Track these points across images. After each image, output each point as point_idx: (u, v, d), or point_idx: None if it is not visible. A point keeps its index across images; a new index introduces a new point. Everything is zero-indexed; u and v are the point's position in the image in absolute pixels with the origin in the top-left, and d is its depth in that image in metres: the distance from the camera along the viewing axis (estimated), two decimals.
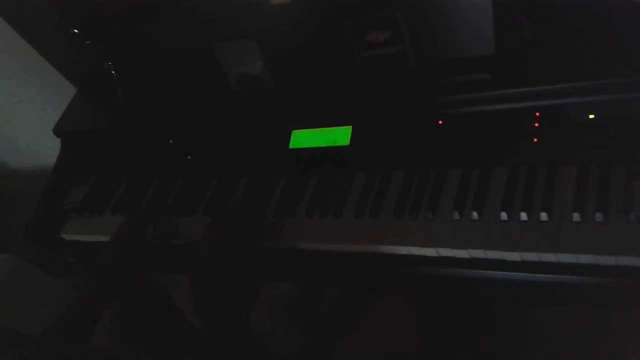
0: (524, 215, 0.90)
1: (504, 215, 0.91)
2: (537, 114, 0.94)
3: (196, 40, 1.18)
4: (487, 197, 0.95)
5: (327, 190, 1.10)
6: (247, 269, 0.95)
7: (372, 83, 1.08)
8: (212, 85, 1.21)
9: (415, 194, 1.01)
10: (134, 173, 1.33)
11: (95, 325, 1.01)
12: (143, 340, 1.17)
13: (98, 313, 1.02)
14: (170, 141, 1.29)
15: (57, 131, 1.44)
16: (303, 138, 1.16)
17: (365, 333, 1.04)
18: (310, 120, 1.15)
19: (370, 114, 1.10)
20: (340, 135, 1.12)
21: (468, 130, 1.00)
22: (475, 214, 0.94)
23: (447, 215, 0.96)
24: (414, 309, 1.06)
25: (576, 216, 0.86)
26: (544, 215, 0.88)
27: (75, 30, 1.29)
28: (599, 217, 0.85)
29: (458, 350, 1.31)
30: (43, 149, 1.70)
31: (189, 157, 1.27)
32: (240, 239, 0.98)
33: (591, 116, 0.91)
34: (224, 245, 0.96)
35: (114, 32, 1.31)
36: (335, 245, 1.03)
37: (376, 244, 0.99)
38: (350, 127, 1.11)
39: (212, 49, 1.16)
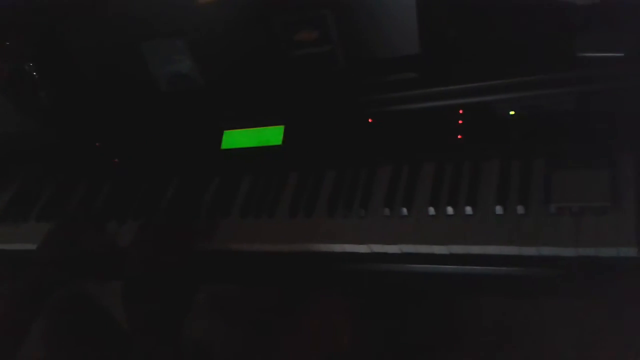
0: (450, 210, 0.92)
1: (431, 210, 0.94)
2: (461, 111, 0.97)
3: (123, 39, 1.14)
4: (416, 192, 0.97)
5: (260, 191, 1.09)
6: (180, 276, 0.93)
7: (303, 82, 1.08)
8: (140, 85, 1.18)
9: (348, 191, 1.02)
10: (60, 177, 1.29)
11: (23, 337, 0.97)
12: (74, 351, 1.13)
13: (26, 325, 0.98)
14: (97, 144, 1.25)
15: None
16: (235, 138, 1.15)
17: (303, 332, 1.04)
18: (242, 120, 1.15)
19: (301, 113, 1.10)
20: (272, 135, 1.12)
21: (396, 128, 1.02)
22: (404, 210, 0.96)
23: (378, 212, 0.98)
24: (350, 307, 1.07)
25: (499, 209, 0.89)
26: (468, 209, 0.91)
27: None
28: (520, 209, 0.88)
29: (394, 345, 1.33)
30: None
31: (116, 160, 1.23)
32: (171, 245, 0.96)
33: (512, 112, 0.94)
34: (153, 254, 0.94)
35: (35, 32, 1.25)
36: (270, 245, 1.03)
37: (311, 243, 1.00)
38: (283, 126, 1.11)
39: (140, 48, 1.13)
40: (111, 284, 1.00)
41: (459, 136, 0.97)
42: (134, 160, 1.22)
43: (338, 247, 0.98)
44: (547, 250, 0.85)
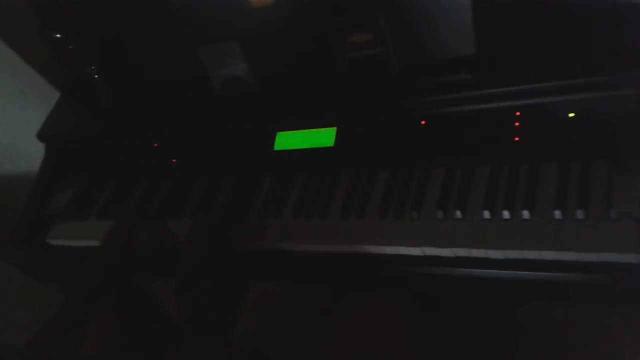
0: (506, 214, 0.91)
1: (486, 214, 0.92)
2: (518, 113, 0.95)
3: (180, 43, 1.18)
4: (470, 196, 0.96)
5: (312, 192, 1.10)
6: (232, 274, 0.95)
7: (355, 84, 1.09)
8: (196, 88, 1.21)
9: (400, 193, 1.02)
10: (119, 177, 1.33)
11: (85, 333, 1.00)
12: (131, 345, 1.16)
13: (88, 319, 1.01)
14: (155, 144, 1.29)
15: (41, 136, 1.43)
16: (288, 140, 1.16)
17: (353, 334, 1.04)
18: (295, 122, 1.16)
19: (354, 115, 1.10)
20: (324, 137, 1.13)
21: (450, 130, 1.01)
22: (458, 213, 0.94)
23: (431, 215, 0.97)
24: (401, 309, 1.06)
25: (558, 214, 0.87)
26: (525, 214, 0.89)
27: (58, 35, 1.29)
28: (580, 214, 0.86)
29: (446, 350, 1.32)
30: (27, 154, 1.68)
31: (174, 160, 1.27)
32: (223, 244, 0.98)
33: (571, 114, 0.92)
34: (206, 252, 0.96)
35: (97, 36, 1.30)
36: (321, 245, 1.04)
37: (362, 244, 1.00)
38: (335, 128, 1.12)
39: (196, 52, 1.16)
40: (168, 280, 1.03)
41: (516, 138, 0.95)
42: (190, 161, 1.25)
43: (389, 249, 0.98)
44: (606, 257, 0.82)
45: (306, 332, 1.12)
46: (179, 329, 1.25)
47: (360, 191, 1.06)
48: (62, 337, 0.97)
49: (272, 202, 1.12)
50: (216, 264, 0.94)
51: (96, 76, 1.33)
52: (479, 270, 0.91)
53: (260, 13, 1.09)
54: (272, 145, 1.17)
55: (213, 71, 1.18)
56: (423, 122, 1.03)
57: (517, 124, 0.95)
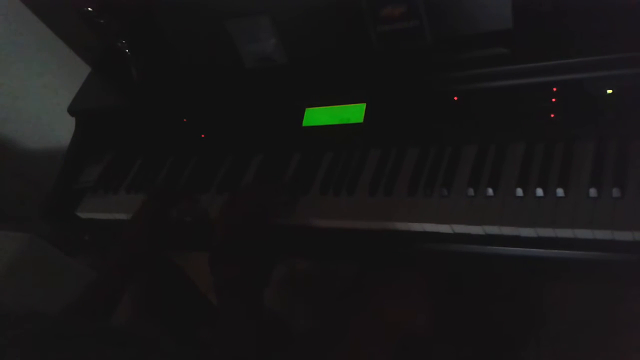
0: (539, 192, 0.89)
1: (519, 192, 0.91)
2: (555, 89, 0.93)
3: (210, 17, 1.17)
4: (503, 173, 0.94)
5: (340, 168, 1.09)
6: (264, 247, 0.95)
7: (386, 59, 1.07)
8: (226, 62, 1.21)
9: (430, 170, 1.01)
10: (148, 151, 1.34)
11: (117, 304, 1.02)
12: (162, 317, 1.18)
13: (120, 291, 1.03)
14: (184, 119, 1.29)
15: (72, 110, 1.45)
16: (317, 116, 1.16)
17: (380, 310, 1.04)
18: (324, 98, 1.15)
19: (384, 91, 1.09)
20: (354, 113, 1.12)
21: (484, 106, 0.99)
22: (490, 190, 0.93)
23: (461, 192, 0.96)
24: (427, 288, 1.06)
25: (593, 192, 0.86)
26: (560, 191, 0.88)
27: (90, 9, 1.29)
28: (616, 192, 0.84)
29: (470, 329, 1.31)
30: (59, 128, 1.71)
31: (203, 136, 1.27)
32: (256, 218, 0.98)
33: (609, 91, 0.90)
34: (240, 225, 0.96)
35: (128, 11, 1.31)
36: (349, 222, 1.03)
37: (390, 221, 0.99)
38: (364, 104, 1.11)
39: (226, 26, 1.16)
40: (200, 255, 1.03)
41: (552, 115, 0.93)
42: (219, 136, 1.26)
43: (418, 227, 0.97)
44: None
45: (330, 308, 1.12)
46: (206, 304, 1.27)
47: (389, 168, 1.05)
48: (94, 308, 0.99)
49: (300, 178, 1.12)
50: (250, 235, 0.95)
51: (127, 51, 1.34)
52: (510, 248, 0.90)
53: None
54: (301, 121, 1.16)
55: (243, 46, 1.18)
56: (455, 98, 1.01)
57: (553, 100, 0.93)
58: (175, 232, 1.12)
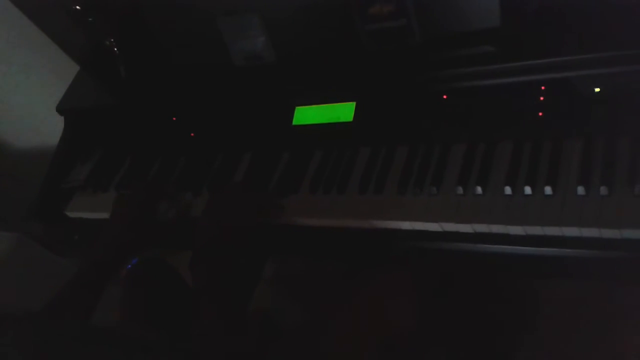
0: (528, 190, 0.89)
1: (508, 190, 0.91)
2: (543, 87, 0.93)
3: (198, 15, 1.17)
4: (491, 171, 0.95)
5: (330, 167, 1.09)
6: (248, 248, 0.95)
7: (375, 57, 1.07)
8: (215, 60, 1.20)
9: (419, 169, 1.01)
10: (138, 150, 1.33)
11: (97, 302, 1.01)
12: (153, 318, 1.17)
13: (99, 289, 1.01)
14: (174, 118, 1.29)
15: (61, 109, 1.43)
16: (306, 114, 1.16)
17: (366, 307, 1.04)
18: (314, 97, 1.15)
19: (374, 89, 1.09)
20: (343, 112, 1.12)
21: (473, 105, 0.99)
22: (479, 189, 0.93)
23: (451, 190, 0.96)
24: (415, 286, 1.06)
25: (580, 190, 0.86)
26: (548, 189, 0.88)
27: (78, 7, 1.28)
28: (603, 190, 0.84)
29: (457, 328, 1.32)
30: (47, 127, 1.69)
31: (192, 134, 1.27)
32: (239, 219, 0.98)
33: (597, 89, 0.90)
34: (221, 226, 0.96)
35: (117, 9, 1.30)
36: (339, 221, 1.03)
37: (380, 220, 0.99)
38: (354, 103, 1.11)
39: (216, 24, 1.15)
40: (183, 253, 1.03)
41: (540, 113, 0.93)
42: (208, 135, 1.25)
43: (407, 225, 0.97)
44: (630, 234, 0.81)
45: (319, 307, 1.12)
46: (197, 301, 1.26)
47: (379, 166, 1.05)
48: (74, 306, 0.97)
49: (290, 176, 1.12)
50: (231, 237, 0.94)
51: (115, 49, 1.33)
52: (499, 246, 0.91)
53: None
54: (291, 119, 1.16)
55: (232, 44, 1.17)
56: (445, 96, 1.01)
57: (541, 98, 0.93)
58: (160, 229, 1.11)
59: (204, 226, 0.98)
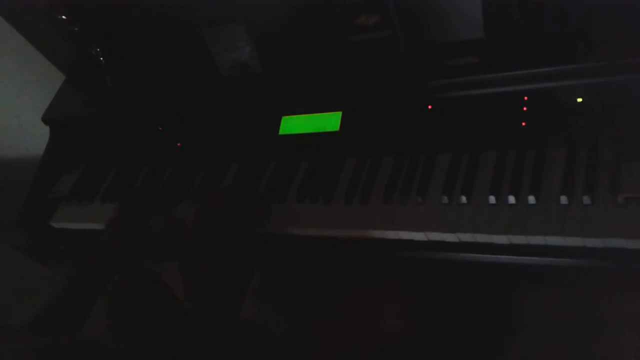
0: (511, 199, 0.90)
1: (492, 199, 0.92)
2: (526, 97, 0.94)
3: (185, 25, 1.17)
4: (476, 181, 0.95)
5: (317, 176, 1.10)
6: (234, 252, 0.95)
7: (361, 68, 1.08)
8: (202, 71, 1.20)
9: (405, 178, 1.01)
10: (124, 160, 1.33)
11: (89, 314, 1.00)
12: (140, 328, 1.16)
13: (92, 301, 1.01)
14: (160, 128, 1.29)
15: (46, 119, 1.43)
16: (293, 124, 1.16)
17: (353, 317, 1.04)
18: (300, 106, 1.15)
19: (359, 99, 1.10)
20: (330, 121, 1.12)
21: (457, 115, 1.00)
22: (464, 198, 0.94)
23: (436, 200, 0.96)
24: (402, 296, 1.06)
25: (563, 199, 0.87)
26: (531, 199, 0.89)
27: (63, 17, 1.28)
28: (586, 199, 0.85)
29: (445, 337, 1.32)
30: (32, 137, 1.68)
31: (179, 144, 1.26)
32: (226, 224, 0.98)
33: (579, 99, 0.91)
34: (210, 230, 0.96)
35: (102, 18, 1.30)
36: (325, 230, 1.03)
37: (366, 229, 0.99)
38: (340, 112, 1.11)
39: (202, 35, 1.16)
40: (174, 264, 1.02)
41: (523, 123, 0.94)
42: (195, 145, 1.25)
43: (393, 234, 0.97)
44: (613, 242, 0.82)
45: (306, 316, 1.12)
46: (187, 316, 1.25)
47: (365, 176, 1.05)
48: (64, 318, 0.97)
49: (277, 186, 1.12)
50: (220, 241, 0.94)
51: (101, 59, 1.33)
52: (484, 255, 0.91)
53: None
54: (277, 129, 1.16)
55: (218, 54, 1.17)
56: (430, 107, 1.02)
57: (524, 108, 0.94)
58: (155, 241, 1.10)
59: (191, 232, 0.98)
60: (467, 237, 0.92)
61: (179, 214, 1.16)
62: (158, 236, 1.11)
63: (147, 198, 1.15)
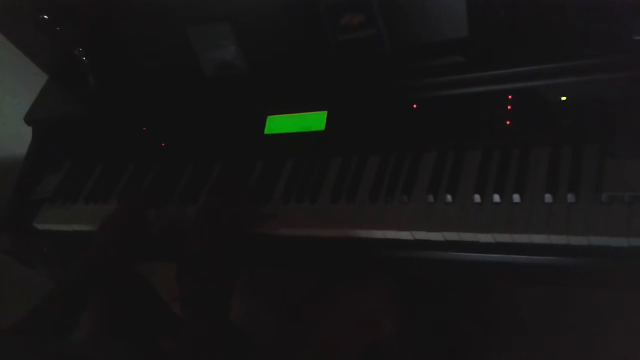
0: (496, 197, 0.90)
1: (477, 198, 0.92)
2: (510, 96, 0.94)
3: (170, 24, 1.16)
4: (461, 180, 0.96)
5: (302, 176, 1.09)
6: (233, 259, 0.94)
7: (346, 67, 1.08)
8: (186, 70, 1.20)
9: (391, 178, 1.01)
10: (107, 161, 1.32)
11: (79, 318, 0.98)
12: (123, 328, 1.14)
13: (83, 305, 0.98)
14: (144, 128, 1.28)
15: (29, 119, 1.42)
16: (278, 124, 1.15)
17: (342, 318, 1.04)
18: (285, 106, 1.15)
19: (345, 99, 1.10)
20: (315, 121, 1.12)
21: (442, 114, 1.00)
22: (449, 197, 0.94)
23: (421, 199, 0.96)
24: (391, 295, 1.06)
25: (548, 197, 0.87)
26: (516, 197, 0.89)
27: (46, 17, 1.26)
28: (570, 197, 0.86)
29: (435, 333, 1.32)
30: (15, 138, 1.66)
31: (163, 144, 1.25)
32: (230, 229, 0.97)
33: (563, 98, 0.92)
34: (213, 236, 0.95)
35: (86, 18, 1.28)
36: (311, 230, 1.03)
37: (352, 229, 0.99)
38: (326, 112, 1.11)
39: (186, 33, 1.15)
40: (161, 266, 1.01)
41: (508, 122, 0.94)
42: (179, 145, 1.24)
43: (380, 234, 0.97)
44: (597, 240, 0.82)
45: (293, 318, 1.11)
46: (171, 315, 1.24)
47: (351, 175, 1.05)
48: (53, 322, 0.95)
49: (262, 186, 1.11)
50: (222, 247, 0.94)
51: (84, 59, 1.32)
52: (469, 254, 0.91)
53: None
54: (263, 128, 1.16)
55: (203, 53, 1.17)
56: (415, 106, 1.02)
57: (509, 107, 0.94)
58: (144, 242, 1.09)
59: (190, 238, 0.97)
60: (452, 235, 0.92)
61: (179, 215, 1.14)
62: (153, 236, 1.10)
63: (147, 198, 1.13)
